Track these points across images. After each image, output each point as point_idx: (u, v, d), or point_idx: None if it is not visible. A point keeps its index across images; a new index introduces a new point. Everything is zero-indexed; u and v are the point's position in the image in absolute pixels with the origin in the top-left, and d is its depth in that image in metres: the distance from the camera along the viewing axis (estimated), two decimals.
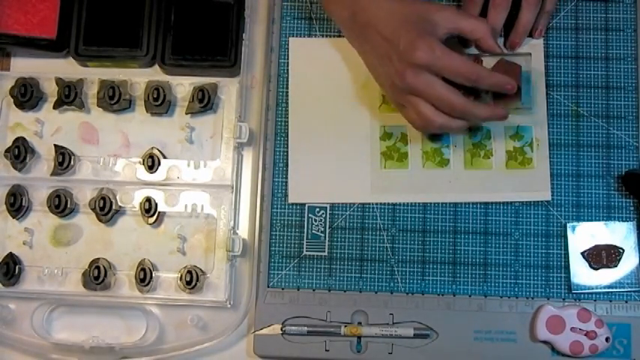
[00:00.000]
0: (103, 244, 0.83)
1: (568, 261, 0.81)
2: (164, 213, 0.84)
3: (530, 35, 0.84)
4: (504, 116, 0.78)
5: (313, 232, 0.83)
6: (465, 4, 0.82)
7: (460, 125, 0.77)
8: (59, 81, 0.85)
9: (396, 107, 0.81)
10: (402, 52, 0.74)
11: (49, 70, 0.86)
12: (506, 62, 0.79)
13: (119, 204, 0.83)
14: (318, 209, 0.83)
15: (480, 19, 0.78)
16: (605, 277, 0.81)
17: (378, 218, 0.83)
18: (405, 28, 0.74)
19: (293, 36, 0.86)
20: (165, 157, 0.84)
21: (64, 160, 0.83)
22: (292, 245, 0.83)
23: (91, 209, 0.83)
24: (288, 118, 0.85)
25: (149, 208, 0.82)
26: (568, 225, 0.82)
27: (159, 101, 0.84)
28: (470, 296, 0.81)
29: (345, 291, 0.82)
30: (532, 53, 0.80)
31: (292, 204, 0.83)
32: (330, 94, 0.85)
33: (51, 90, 0.85)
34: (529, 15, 0.82)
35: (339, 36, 0.86)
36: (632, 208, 0.82)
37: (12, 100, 0.85)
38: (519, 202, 0.83)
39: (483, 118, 0.78)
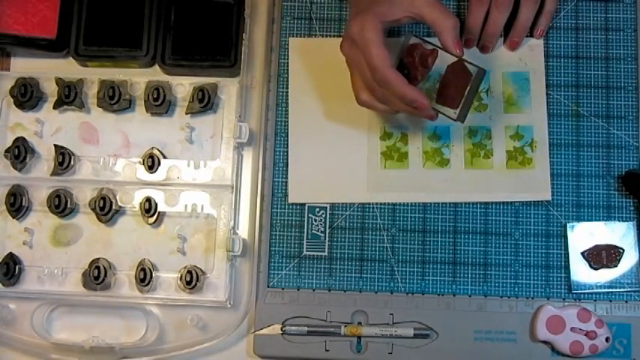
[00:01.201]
0: (103, 244, 0.83)
1: (568, 261, 0.81)
2: (164, 213, 0.83)
3: (532, 35, 0.85)
4: (430, 117, 0.76)
5: (313, 232, 0.83)
6: (471, 4, 0.82)
7: (383, 109, 0.77)
8: (59, 81, 0.85)
9: None
10: (347, 22, 0.75)
11: (49, 70, 0.86)
12: (463, 66, 0.75)
13: (119, 204, 0.83)
14: (318, 209, 0.83)
15: (448, 15, 0.73)
16: (605, 277, 0.81)
17: (378, 218, 0.83)
18: (363, 3, 0.74)
19: (293, 36, 0.86)
20: (165, 157, 0.84)
21: (64, 160, 0.83)
22: (292, 245, 0.83)
23: (91, 209, 0.83)
24: (288, 118, 0.85)
25: (149, 208, 0.82)
26: (568, 225, 0.82)
27: (159, 101, 0.84)
28: (470, 296, 0.81)
29: (345, 291, 0.82)
30: (488, 65, 0.76)
31: (292, 204, 0.83)
32: (330, 94, 0.85)
33: (51, 90, 0.85)
34: (528, 13, 0.82)
35: (339, 36, 0.86)
36: (632, 208, 0.82)
37: (12, 100, 0.85)
38: (519, 202, 0.83)
39: (400, 111, 0.76)
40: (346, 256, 0.83)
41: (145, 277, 0.81)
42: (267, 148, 0.84)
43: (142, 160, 0.84)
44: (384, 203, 0.83)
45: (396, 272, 0.82)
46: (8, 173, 0.84)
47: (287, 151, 0.84)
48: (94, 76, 0.85)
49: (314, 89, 0.85)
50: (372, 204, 0.83)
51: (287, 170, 0.84)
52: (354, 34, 0.73)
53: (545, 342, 0.79)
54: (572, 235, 0.82)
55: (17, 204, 0.83)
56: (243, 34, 0.84)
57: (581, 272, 0.81)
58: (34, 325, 0.81)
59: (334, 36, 0.86)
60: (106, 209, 0.82)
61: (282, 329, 0.80)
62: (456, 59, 0.74)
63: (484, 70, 0.74)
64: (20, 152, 0.83)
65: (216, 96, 0.85)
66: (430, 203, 0.83)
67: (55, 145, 0.84)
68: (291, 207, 0.84)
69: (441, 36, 0.74)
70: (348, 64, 0.77)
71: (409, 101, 0.73)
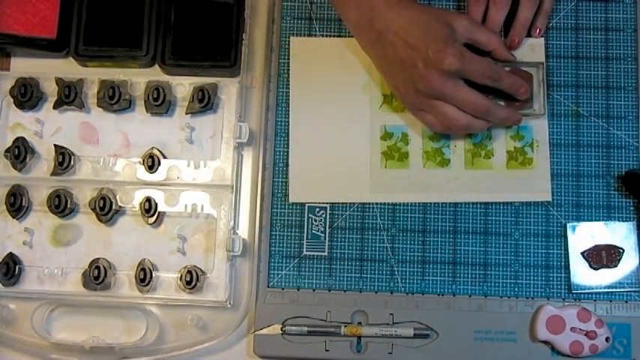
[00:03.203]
0: (103, 244, 0.83)
1: (568, 261, 0.81)
2: (164, 213, 0.83)
3: (530, 35, 0.85)
4: (519, 120, 0.81)
5: (313, 232, 0.83)
6: (470, 4, 0.82)
7: (482, 125, 0.79)
8: (59, 81, 0.85)
9: (412, 111, 0.81)
10: (431, 58, 0.74)
11: (49, 70, 0.86)
12: (519, 71, 0.82)
13: (119, 204, 0.83)
14: (318, 209, 0.83)
15: (491, 31, 0.81)
16: (605, 277, 0.81)
17: (378, 218, 0.83)
18: (430, 35, 0.75)
19: (293, 36, 0.86)
20: (165, 157, 0.84)
21: (64, 160, 0.83)
22: (292, 245, 0.83)
23: (91, 209, 0.83)
24: (288, 118, 0.85)
25: (149, 208, 0.82)
26: (568, 225, 0.82)
27: (159, 101, 0.84)
28: (470, 296, 0.81)
29: (345, 291, 0.82)
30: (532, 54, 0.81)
31: (292, 204, 0.83)
32: (330, 94, 0.85)
33: (51, 90, 0.85)
34: (527, 12, 0.83)
35: (339, 36, 0.86)
36: (632, 208, 0.82)
37: (12, 100, 0.85)
38: (519, 202, 0.83)
39: (503, 118, 0.79)
40: (346, 256, 0.83)
41: (145, 277, 0.81)
42: (267, 148, 0.84)
43: (142, 160, 0.84)
44: (384, 203, 0.83)
45: (396, 272, 0.82)
46: (8, 173, 0.84)
47: (287, 151, 0.84)
48: (94, 76, 0.85)
49: (315, 89, 0.85)
50: (372, 204, 0.83)
51: (287, 170, 0.84)
52: (453, 64, 0.74)
53: (545, 342, 0.79)
54: (572, 236, 0.82)
55: (17, 204, 0.83)
56: (243, 34, 0.84)
57: (581, 272, 0.81)
58: (34, 325, 0.81)
59: (334, 36, 0.86)
60: (106, 209, 0.82)
61: (282, 329, 0.80)
62: (509, 66, 0.82)
63: (542, 62, 0.82)
64: (20, 152, 0.83)
65: (216, 96, 0.85)
66: (430, 203, 0.83)
67: (55, 145, 0.84)
68: (291, 207, 0.84)
69: (498, 53, 0.81)
70: (431, 102, 0.77)
71: (518, 87, 0.79)
